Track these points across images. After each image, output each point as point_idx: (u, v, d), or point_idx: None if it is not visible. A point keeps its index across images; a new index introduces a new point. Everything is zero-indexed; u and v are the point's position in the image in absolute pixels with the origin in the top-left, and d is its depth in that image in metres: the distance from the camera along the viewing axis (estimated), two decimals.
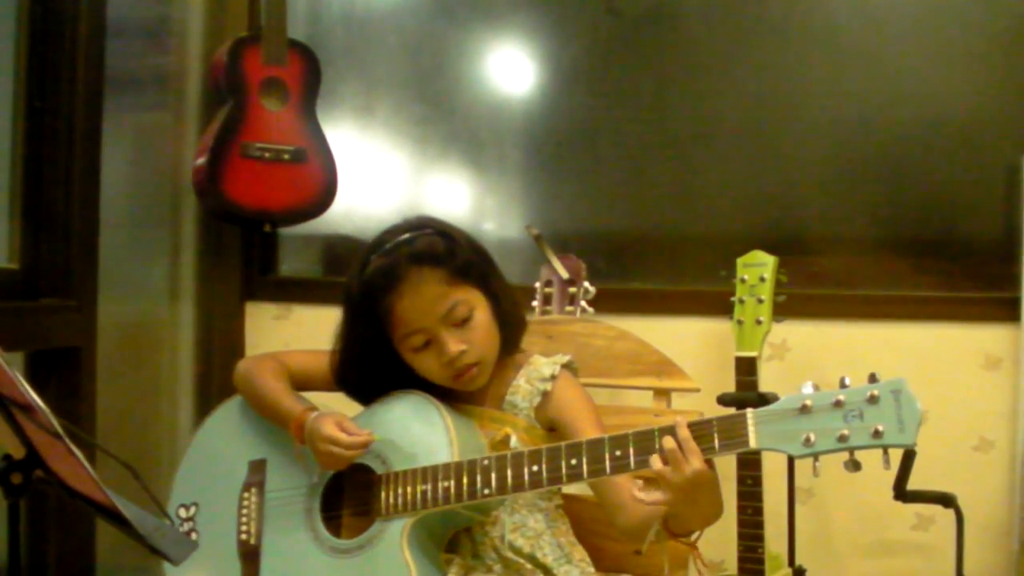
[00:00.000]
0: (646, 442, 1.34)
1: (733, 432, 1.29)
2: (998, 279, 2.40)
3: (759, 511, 2.06)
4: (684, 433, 1.31)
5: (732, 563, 2.11)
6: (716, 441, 1.30)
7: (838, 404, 1.24)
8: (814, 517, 2.43)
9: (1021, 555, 2.28)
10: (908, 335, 2.41)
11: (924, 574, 2.39)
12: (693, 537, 1.42)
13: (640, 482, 1.37)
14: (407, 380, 1.60)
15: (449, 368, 1.56)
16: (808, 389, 1.27)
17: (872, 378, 1.25)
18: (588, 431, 1.53)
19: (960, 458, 2.36)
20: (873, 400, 1.23)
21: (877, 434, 1.22)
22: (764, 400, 2.03)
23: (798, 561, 2.20)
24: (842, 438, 1.23)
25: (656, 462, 1.32)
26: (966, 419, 2.37)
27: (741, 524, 2.07)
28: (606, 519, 1.56)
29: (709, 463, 1.31)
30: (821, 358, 2.43)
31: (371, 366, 1.61)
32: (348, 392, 1.67)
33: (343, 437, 1.50)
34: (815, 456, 1.26)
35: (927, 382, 2.28)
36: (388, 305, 1.54)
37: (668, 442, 1.31)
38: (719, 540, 2.25)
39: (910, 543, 2.40)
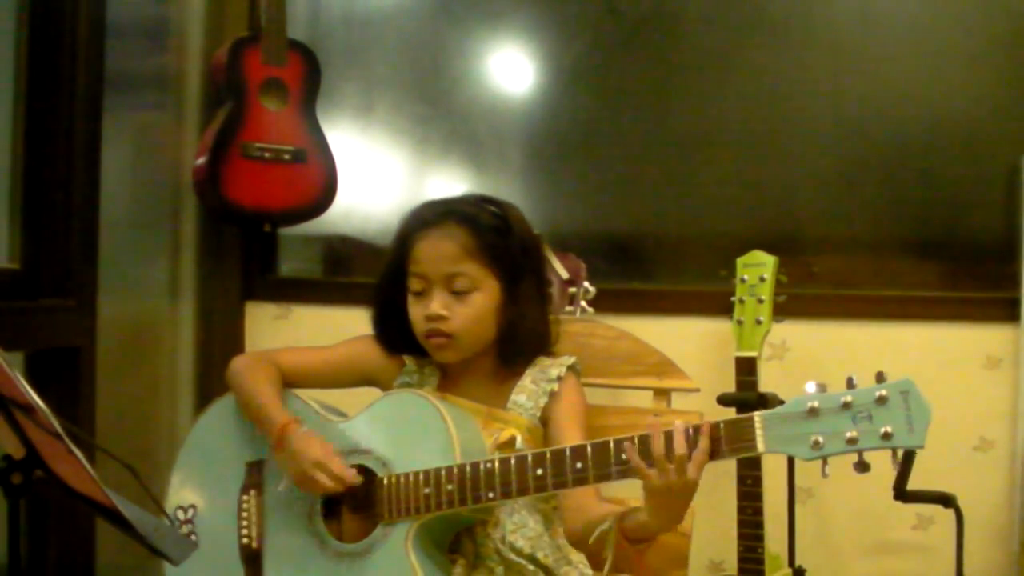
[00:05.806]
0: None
1: (741, 436, 1.28)
2: (998, 279, 2.40)
3: (759, 511, 2.06)
4: (704, 444, 1.29)
5: (732, 563, 2.11)
6: (723, 445, 1.29)
7: (846, 406, 1.23)
8: (814, 517, 2.43)
9: (1021, 555, 2.28)
10: (908, 335, 2.41)
11: (924, 574, 2.39)
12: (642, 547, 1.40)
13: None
14: (404, 327, 1.63)
15: (425, 324, 1.58)
16: (812, 389, 1.26)
17: (880, 377, 1.23)
18: (573, 433, 1.55)
19: (960, 458, 2.36)
20: (882, 401, 1.21)
21: (886, 436, 1.20)
22: (764, 400, 2.03)
23: (798, 561, 2.20)
24: (851, 440, 1.22)
25: (635, 457, 1.31)
26: (966, 419, 2.36)
27: (741, 524, 2.07)
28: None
29: None
30: (821, 358, 2.43)
31: (387, 297, 1.65)
32: (373, 317, 1.69)
33: (333, 466, 1.50)
34: (824, 459, 1.25)
35: (927, 382, 2.21)
36: (413, 241, 1.59)
37: (680, 447, 1.29)
38: (719, 540, 2.26)
39: (910, 543, 2.40)
